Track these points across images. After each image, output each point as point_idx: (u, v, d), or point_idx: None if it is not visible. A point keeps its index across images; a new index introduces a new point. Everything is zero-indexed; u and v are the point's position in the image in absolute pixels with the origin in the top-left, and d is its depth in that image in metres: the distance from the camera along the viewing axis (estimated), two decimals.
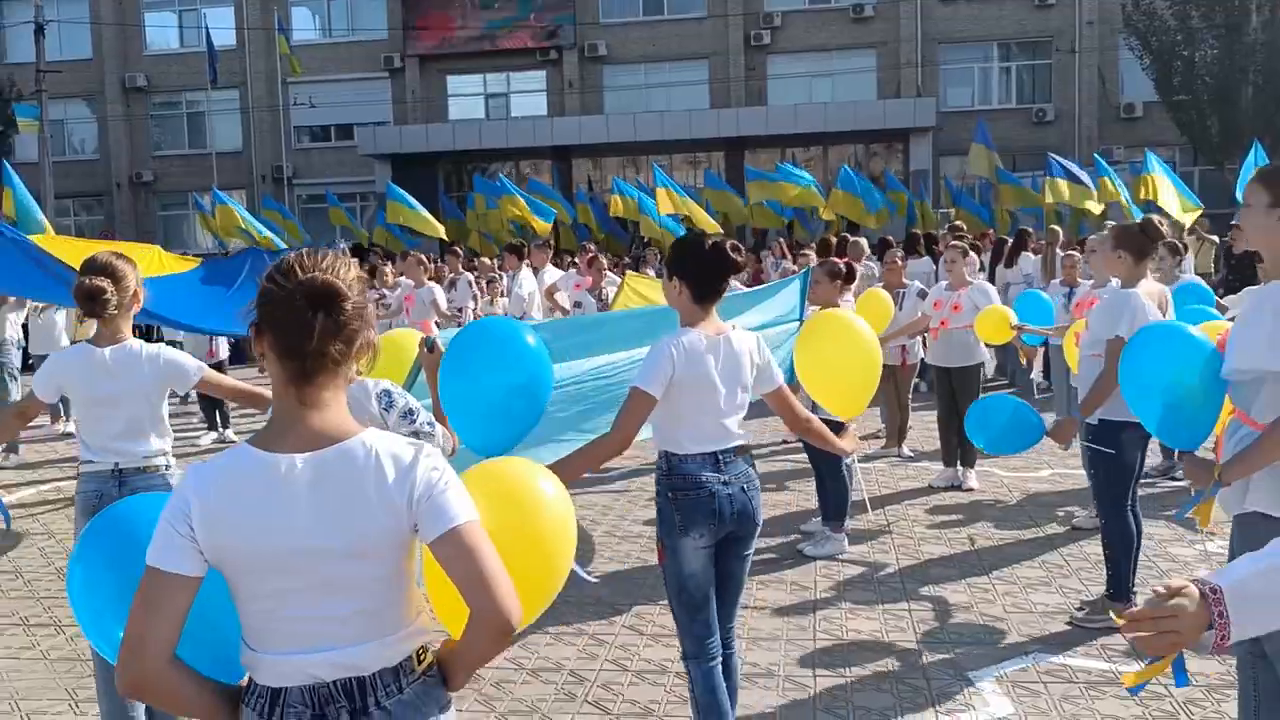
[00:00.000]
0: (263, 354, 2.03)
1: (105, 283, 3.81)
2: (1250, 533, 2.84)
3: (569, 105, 32.84)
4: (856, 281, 8.13)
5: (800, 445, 7.21)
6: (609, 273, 11.35)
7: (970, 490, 7.81)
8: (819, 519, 6.66)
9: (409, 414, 3.51)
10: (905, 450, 9.13)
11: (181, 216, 33.76)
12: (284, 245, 19.73)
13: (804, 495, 7.64)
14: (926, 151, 30.45)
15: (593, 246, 15.93)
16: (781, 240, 17.66)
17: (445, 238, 19.36)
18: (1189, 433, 3.37)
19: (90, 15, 33.22)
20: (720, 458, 3.57)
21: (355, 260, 2.14)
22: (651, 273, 11.78)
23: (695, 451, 3.56)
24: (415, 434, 3.52)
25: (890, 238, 15.68)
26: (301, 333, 1.95)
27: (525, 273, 10.89)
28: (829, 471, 6.48)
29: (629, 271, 10.78)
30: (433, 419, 3.61)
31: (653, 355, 3.52)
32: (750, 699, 4.46)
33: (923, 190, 24.53)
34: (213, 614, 2.02)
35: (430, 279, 13.61)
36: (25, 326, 11.12)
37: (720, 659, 3.69)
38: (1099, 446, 4.87)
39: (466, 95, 34.05)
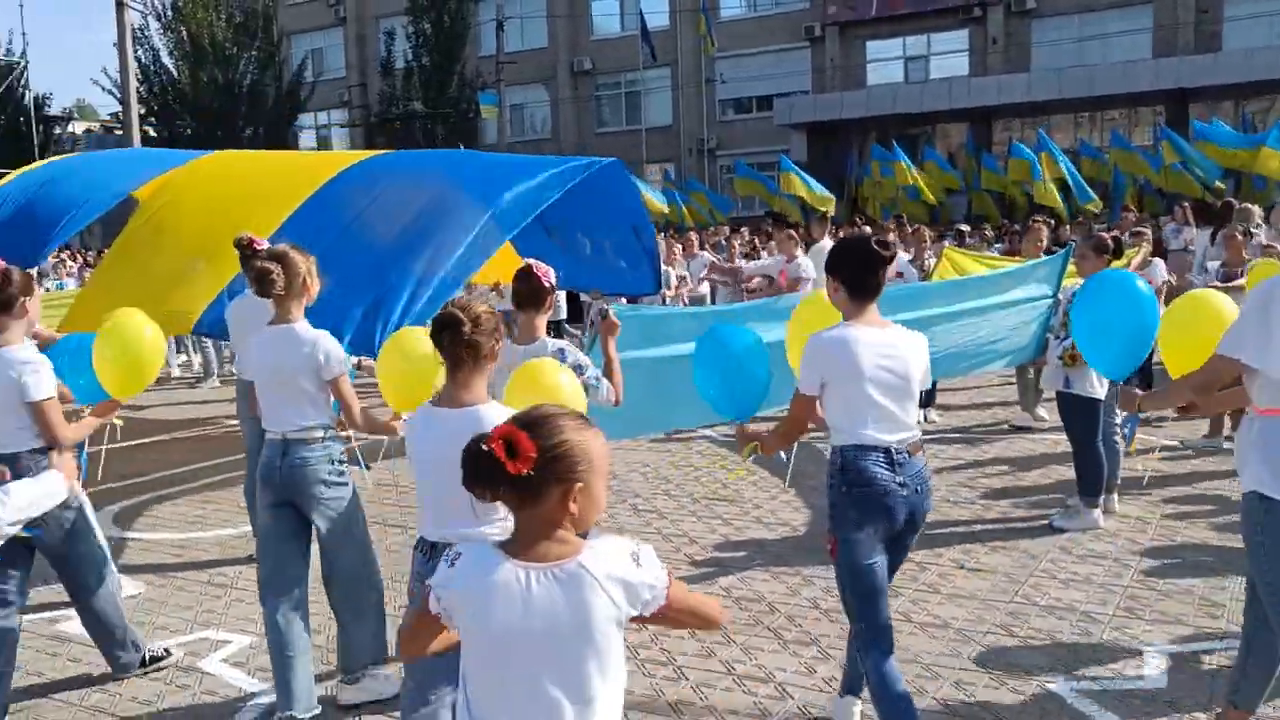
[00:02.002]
0: None
1: (274, 266, 4.22)
2: (1248, 507, 2.99)
3: (991, 64, 31.79)
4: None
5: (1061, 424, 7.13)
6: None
7: None
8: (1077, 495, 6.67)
9: (578, 368, 4.35)
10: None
11: None
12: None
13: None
14: None
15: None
16: (1186, 205, 16.33)
17: (824, 208, 19.83)
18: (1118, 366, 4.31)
19: (546, 9, 37.20)
20: (894, 455, 3.56)
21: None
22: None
23: (863, 442, 3.56)
24: (585, 386, 4.36)
25: None
26: (439, 343, 3.25)
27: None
28: (1084, 445, 6.48)
29: (948, 244, 10.84)
30: (600, 374, 4.44)
31: (805, 355, 3.63)
32: (913, 643, 4.85)
33: None
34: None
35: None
36: None
37: (894, 651, 3.70)
38: None
39: (885, 60, 34.05)
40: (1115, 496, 6.75)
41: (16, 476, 3.95)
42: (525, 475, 1.95)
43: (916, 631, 5.01)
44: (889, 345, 3.59)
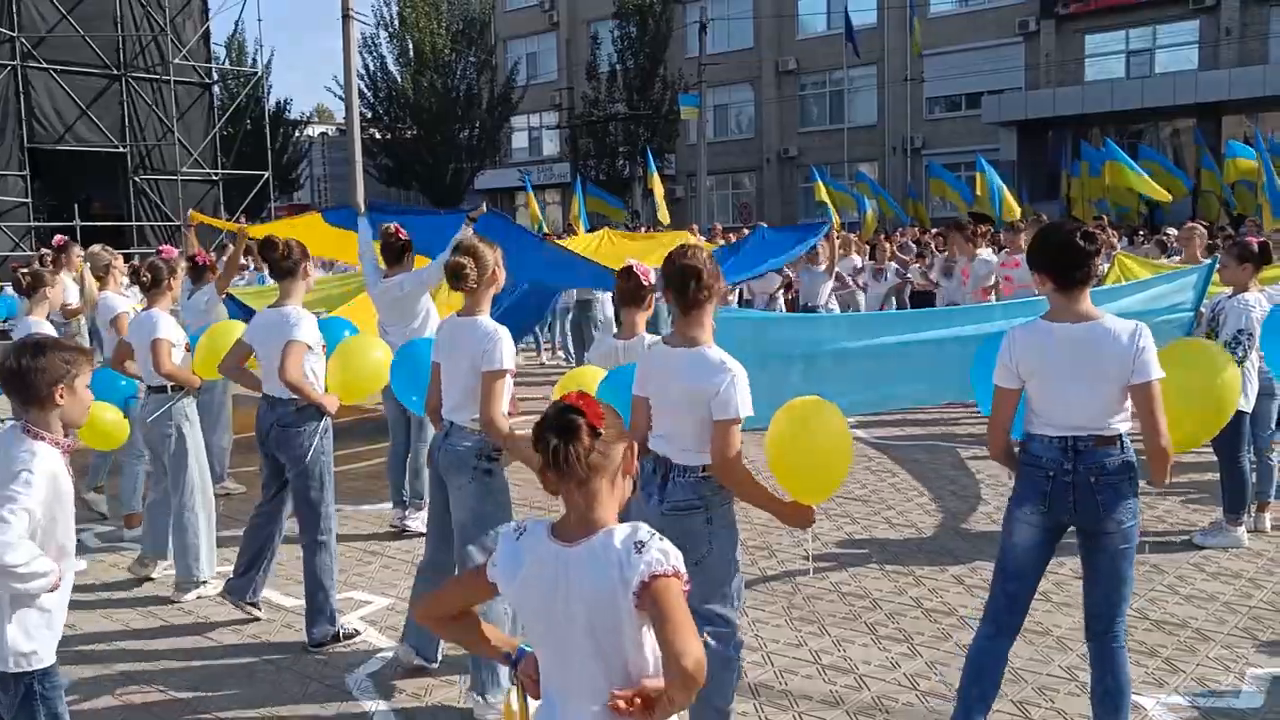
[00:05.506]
0: None
1: (467, 260, 4.35)
2: None
3: (1224, 57, 29.84)
4: None
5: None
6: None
7: None
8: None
9: None
10: None
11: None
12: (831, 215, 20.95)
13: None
14: None
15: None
16: None
17: (1009, 216, 19.08)
18: None
19: (752, 9, 37.39)
20: (1074, 444, 3.52)
21: None
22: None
23: (1045, 433, 3.58)
24: None
25: None
26: (679, 288, 3.59)
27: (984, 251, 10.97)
28: (1228, 460, 6.23)
29: (1120, 250, 10.39)
30: None
31: (1001, 349, 3.65)
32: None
33: None
34: None
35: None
36: None
37: (1009, 636, 3.79)
38: None
39: (1105, 55, 32.50)
40: (1267, 516, 6.45)
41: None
42: (600, 431, 2.16)
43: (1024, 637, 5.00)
44: (1083, 338, 3.50)
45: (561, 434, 2.14)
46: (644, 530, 2.17)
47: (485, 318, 4.41)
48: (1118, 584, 3.64)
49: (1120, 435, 3.53)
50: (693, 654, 2.05)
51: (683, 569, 2.15)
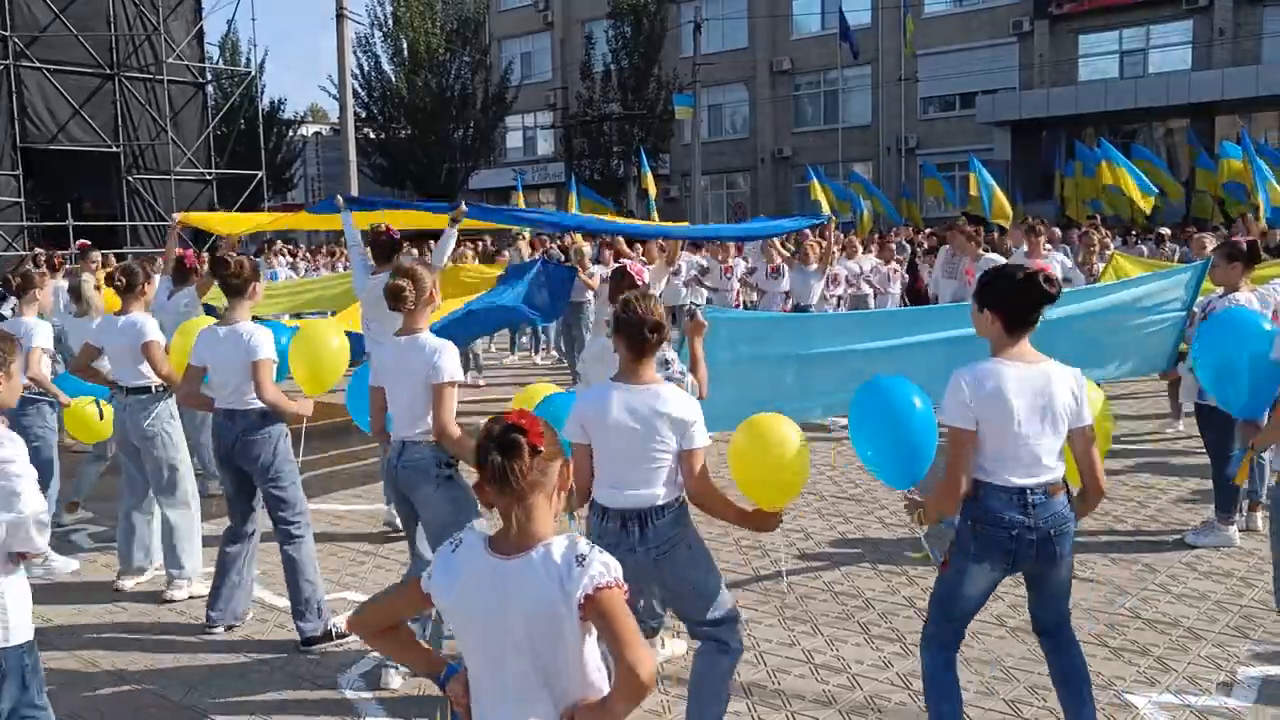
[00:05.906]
0: None
1: (405, 283, 4.48)
2: None
3: (1217, 58, 29.90)
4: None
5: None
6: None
7: None
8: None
9: (665, 363, 4.62)
10: None
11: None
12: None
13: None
14: None
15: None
16: None
17: (999, 220, 19.10)
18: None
19: (747, 9, 37.42)
20: (1029, 495, 3.47)
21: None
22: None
23: (1000, 483, 3.49)
24: (669, 378, 4.63)
25: None
26: (628, 334, 3.59)
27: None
28: (1219, 459, 6.24)
29: (1116, 251, 10.43)
30: (685, 369, 4.68)
31: (948, 389, 3.52)
32: (1000, 646, 4.88)
33: None
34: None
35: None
36: None
37: (955, 650, 3.77)
38: None
39: (1099, 55, 32.54)
40: (1259, 515, 6.47)
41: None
42: (540, 449, 2.23)
43: (1006, 636, 5.03)
44: (1038, 382, 3.47)
45: (504, 451, 2.20)
46: (583, 543, 2.25)
47: (426, 334, 4.54)
48: (1066, 595, 3.77)
49: (1064, 479, 3.56)
50: (646, 665, 2.16)
51: (623, 580, 2.23)
